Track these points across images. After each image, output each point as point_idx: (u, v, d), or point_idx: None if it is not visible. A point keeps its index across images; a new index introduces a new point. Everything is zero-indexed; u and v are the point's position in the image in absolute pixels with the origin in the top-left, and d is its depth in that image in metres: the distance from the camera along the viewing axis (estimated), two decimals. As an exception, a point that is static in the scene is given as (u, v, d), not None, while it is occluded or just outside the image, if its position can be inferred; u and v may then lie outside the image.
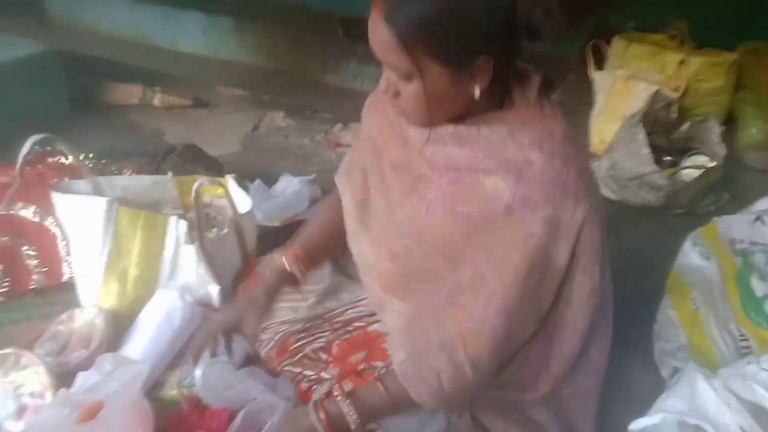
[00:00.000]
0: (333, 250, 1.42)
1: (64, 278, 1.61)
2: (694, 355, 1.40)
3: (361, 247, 1.29)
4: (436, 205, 1.10)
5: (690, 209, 2.06)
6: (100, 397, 1.08)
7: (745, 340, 1.44)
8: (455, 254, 1.09)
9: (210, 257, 1.47)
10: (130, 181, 1.64)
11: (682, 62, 2.41)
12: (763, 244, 1.50)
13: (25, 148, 1.49)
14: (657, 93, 2.18)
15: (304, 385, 1.30)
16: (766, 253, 1.43)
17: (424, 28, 0.93)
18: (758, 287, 1.45)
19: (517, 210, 1.01)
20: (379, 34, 0.95)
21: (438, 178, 1.11)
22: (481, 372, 1.07)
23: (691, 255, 1.69)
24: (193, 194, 1.43)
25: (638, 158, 1.97)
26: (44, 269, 1.62)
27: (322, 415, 1.11)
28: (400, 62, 0.96)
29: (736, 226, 1.58)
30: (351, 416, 1.10)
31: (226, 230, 1.53)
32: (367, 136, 1.27)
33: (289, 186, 1.96)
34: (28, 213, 1.65)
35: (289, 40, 3.54)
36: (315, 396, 1.24)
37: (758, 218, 1.56)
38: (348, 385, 1.18)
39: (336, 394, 1.13)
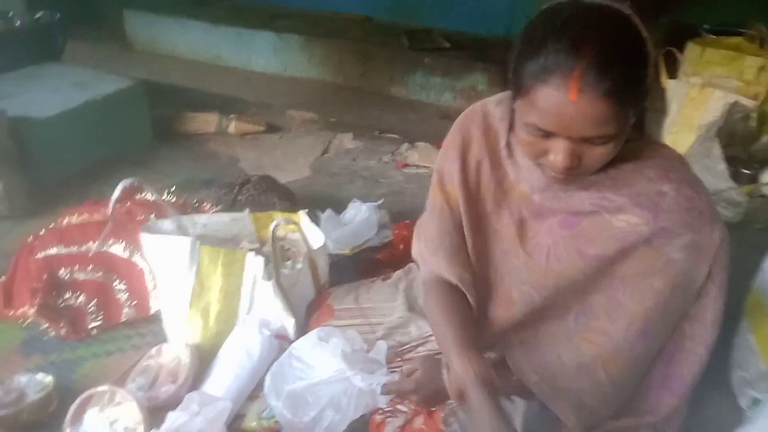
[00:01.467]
0: None
1: (152, 311, 1.72)
2: (777, 389, 1.36)
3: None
4: (557, 251, 1.13)
5: (772, 225, 1.97)
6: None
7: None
8: (584, 287, 1.13)
9: (285, 291, 1.55)
10: (210, 219, 1.74)
11: (762, 68, 2.30)
12: None
13: (117, 192, 1.60)
14: (735, 104, 2.09)
15: (377, 418, 1.35)
16: None
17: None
18: None
19: (655, 240, 1.04)
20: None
21: (541, 222, 1.14)
22: (621, 388, 1.13)
23: (773, 274, 1.63)
24: (270, 234, 1.51)
25: (714, 174, 1.90)
26: (134, 302, 1.74)
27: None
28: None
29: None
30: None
31: (300, 265, 1.60)
32: (456, 185, 1.23)
33: (358, 213, 2.01)
34: (118, 249, 1.77)
35: (356, 54, 3.66)
36: (389, 429, 1.29)
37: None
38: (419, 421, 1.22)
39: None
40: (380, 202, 2.10)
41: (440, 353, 1.34)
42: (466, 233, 1.25)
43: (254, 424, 1.40)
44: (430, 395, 1.22)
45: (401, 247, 1.90)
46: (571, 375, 1.13)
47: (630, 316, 1.09)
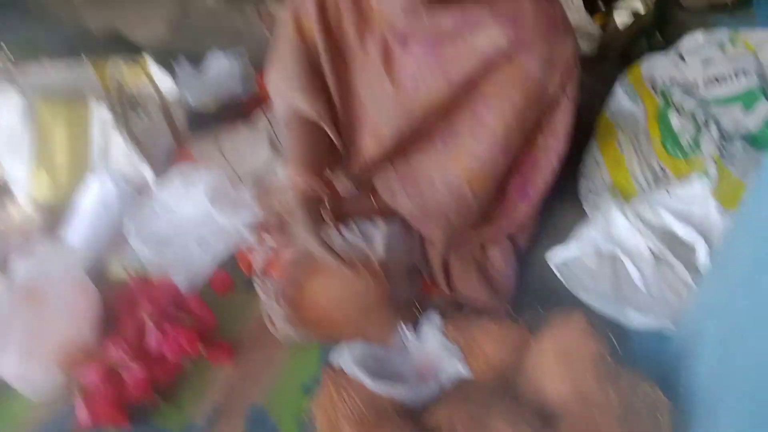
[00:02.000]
0: None
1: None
2: (614, 191, 1.47)
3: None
4: (424, 77, 1.13)
5: (624, 56, 2.06)
6: (39, 280, 1.11)
7: (665, 173, 1.51)
8: (449, 105, 1.15)
9: (140, 143, 1.47)
10: (46, 71, 1.58)
11: None
12: (683, 82, 1.54)
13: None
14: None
15: (245, 250, 1.35)
16: (682, 88, 1.48)
17: None
18: (676, 123, 1.50)
19: (515, 55, 1.08)
20: None
21: (406, 50, 1.14)
22: (483, 201, 1.21)
23: (621, 99, 1.72)
24: (109, 77, 1.40)
25: (569, 5, 1.95)
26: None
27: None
28: None
29: (657, 65, 1.61)
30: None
31: (153, 114, 1.51)
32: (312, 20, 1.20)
33: (218, 63, 1.90)
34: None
35: None
36: (256, 263, 1.30)
37: (678, 56, 1.59)
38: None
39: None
40: (243, 51, 1.99)
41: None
42: (326, 69, 1.22)
43: (119, 271, 1.36)
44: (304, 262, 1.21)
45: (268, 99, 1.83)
46: (441, 197, 1.19)
47: (493, 134, 1.14)
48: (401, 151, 1.24)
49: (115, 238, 1.41)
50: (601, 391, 0.80)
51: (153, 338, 1.19)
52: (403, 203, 1.21)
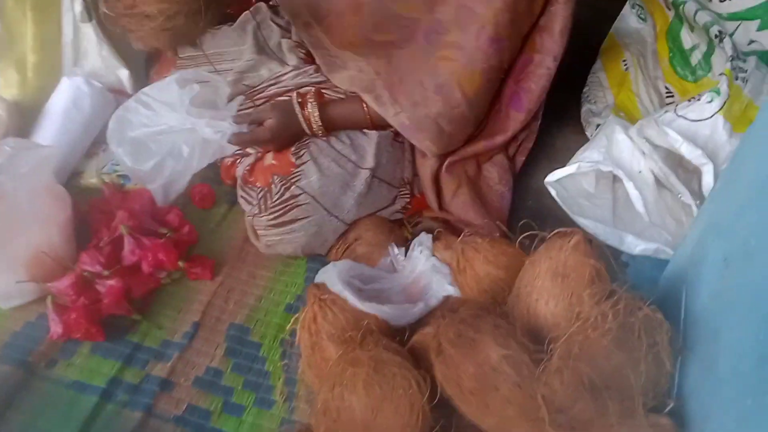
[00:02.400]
0: None
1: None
2: (618, 113, 1.41)
3: (316, 5, 1.24)
4: None
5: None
6: (5, 179, 1.04)
7: (671, 96, 1.44)
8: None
9: (115, 38, 1.37)
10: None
11: None
12: (697, -5, 1.44)
13: None
14: None
15: (227, 161, 1.29)
16: (697, 1, 1.38)
17: None
18: (687, 39, 1.42)
19: None
20: None
21: None
22: (477, 107, 1.13)
23: (629, 17, 1.64)
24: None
25: None
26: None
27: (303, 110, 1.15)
28: None
29: (672, -22, 1.50)
30: (315, 117, 1.15)
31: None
32: None
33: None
34: None
35: None
36: (238, 171, 1.24)
37: (695, -33, 1.49)
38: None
39: (310, 97, 1.16)
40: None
41: (289, 92, 1.27)
42: None
43: (94, 180, 1.30)
44: (287, 141, 1.17)
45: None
46: (431, 100, 1.11)
47: (480, 21, 1.06)
48: (382, 47, 1.16)
49: (88, 144, 1.35)
50: (597, 311, 0.76)
51: (130, 251, 1.14)
52: (392, 111, 1.14)
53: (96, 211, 1.22)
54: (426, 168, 1.22)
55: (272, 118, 1.15)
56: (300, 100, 1.16)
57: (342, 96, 1.21)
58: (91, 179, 1.30)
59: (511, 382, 0.76)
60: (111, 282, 1.09)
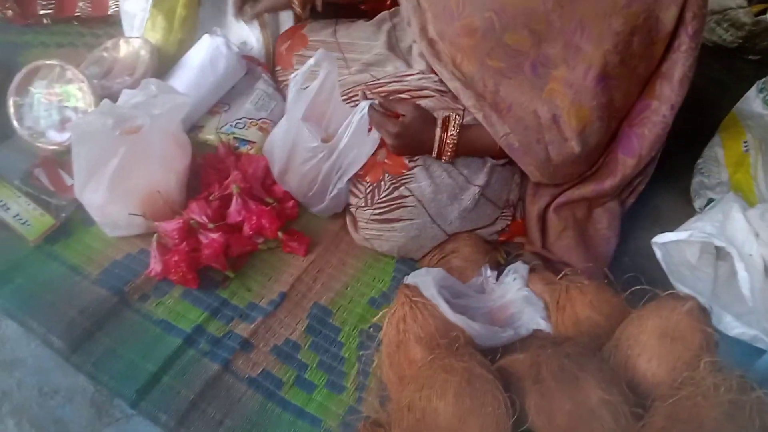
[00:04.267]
0: None
1: (111, 10, 1.56)
2: (734, 191, 1.38)
3: (427, 22, 1.25)
4: None
5: (765, 56, 1.92)
6: (142, 116, 1.08)
7: (789, 187, 1.40)
8: (541, 27, 1.07)
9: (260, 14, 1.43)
10: None
11: None
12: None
13: None
14: None
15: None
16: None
17: None
18: (820, 135, 1.39)
19: None
20: None
21: None
22: (587, 145, 1.12)
23: (755, 101, 1.61)
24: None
25: (727, -11, 1.80)
26: (90, -1, 1.57)
27: (443, 133, 1.14)
28: None
29: (814, 72, 1.47)
30: (453, 136, 1.14)
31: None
32: None
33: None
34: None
35: None
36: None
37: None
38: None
39: (455, 119, 1.15)
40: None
41: (409, 91, 1.28)
42: None
43: (212, 136, 1.34)
44: (408, 148, 1.17)
45: (389, 0, 1.75)
46: (544, 127, 1.11)
47: (588, 60, 1.05)
48: (490, 73, 1.16)
49: (213, 102, 1.39)
50: (710, 380, 0.74)
51: (236, 210, 1.17)
52: (501, 132, 1.14)
53: (210, 166, 1.26)
54: (534, 207, 1.22)
55: (411, 117, 1.14)
56: (443, 120, 1.15)
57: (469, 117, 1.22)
58: (209, 135, 1.34)
59: (608, 428, 0.75)
60: (214, 235, 1.12)
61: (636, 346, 0.87)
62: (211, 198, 1.18)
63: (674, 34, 1.07)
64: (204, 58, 1.36)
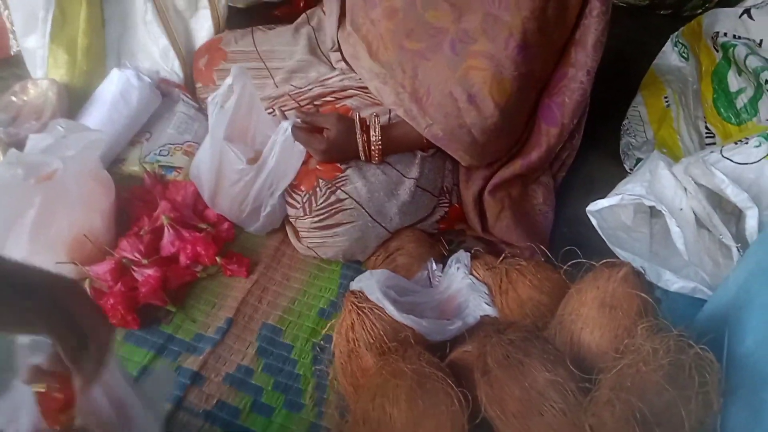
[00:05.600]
0: None
1: (12, 51, 1.50)
2: (659, 148, 1.41)
3: (357, 13, 1.25)
4: None
5: (677, 10, 1.96)
6: (54, 160, 1.05)
7: (711, 137, 1.44)
8: (462, 8, 1.08)
9: (172, 27, 1.39)
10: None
11: None
12: (746, 38, 1.45)
13: None
14: None
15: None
16: (747, 46, 1.39)
17: None
18: (733, 82, 1.42)
19: None
20: None
21: None
22: (510, 117, 1.13)
23: (671, 55, 1.65)
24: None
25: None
26: (-11, 42, 1.50)
27: (364, 135, 1.14)
28: None
29: (722, 19, 1.51)
30: (377, 139, 1.14)
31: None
32: None
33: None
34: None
35: None
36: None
37: (745, 12, 1.50)
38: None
39: (374, 121, 1.15)
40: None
41: (334, 93, 1.27)
42: None
43: (136, 168, 1.30)
44: (338, 157, 1.16)
45: (302, 4, 1.73)
46: (463, 110, 1.11)
47: (508, 29, 1.06)
48: (409, 59, 1.17)
49: (132, 135, 1.35)
50: (649, 345, 0.76)
51: (169, 242, 1.14)
52: (424, 124, 1.14)
53: (137, 199, 1.23)
54: (469, 192, 1.23)
55: (334, 131, 1.13)
56: (362, 124, 1.14)
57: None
58: (133, 167, 1.30)
59: (557, 408, 0.76)
60: (149, 271, 1.10)
61: (578, 319, 0.88)
62: (141, 233, 1.15)
63: (585, 0, 1.09)
64: (115, 93, 1.31)
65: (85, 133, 1.12)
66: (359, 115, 1.16)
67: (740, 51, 1.37)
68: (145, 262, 1.10)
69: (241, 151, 1.17)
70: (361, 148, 1.14)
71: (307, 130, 1.14)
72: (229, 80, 1.19)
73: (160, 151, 1.33)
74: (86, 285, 1.07)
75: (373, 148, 1.14)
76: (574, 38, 1.15)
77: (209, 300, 1.15)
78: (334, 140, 1.13)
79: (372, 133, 1.14)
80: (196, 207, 1.23)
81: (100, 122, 1.29)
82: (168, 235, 1.14)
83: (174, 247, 1.14)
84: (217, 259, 1.16)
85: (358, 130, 1.14)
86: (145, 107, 1.36)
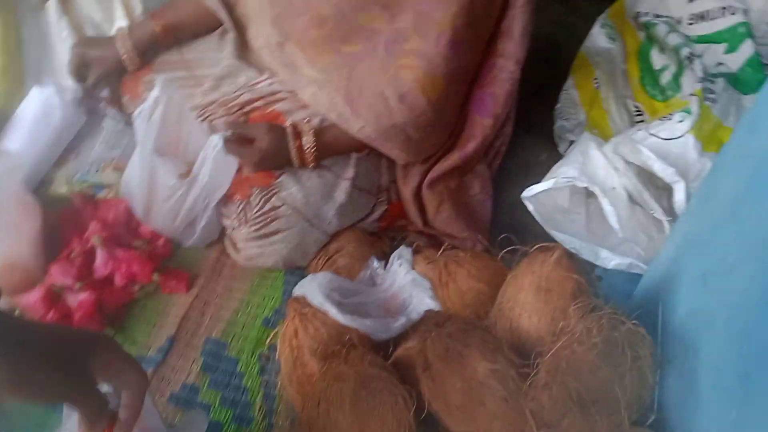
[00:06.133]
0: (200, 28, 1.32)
1: None
2: (590, 129, 1.44)
3: (269, 25, 1.22)
4: None
5: (602, -8, 2.00)
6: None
7: (640, 114, 1.48)
8: (393, 8, 1.09)
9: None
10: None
11: None
12: (667, 16, 1.49)
13: None
14: None
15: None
16: (667, 24, 1.43)
17: None
18: (657, 60, 1.46)
19: None
20: None
21: None
22: (443, 112, 1.14)
23: (599, 37, 1.68)
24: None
25: (552, -64, 1.86)
26: None
27: (296, 141, 1.13)
28: None
29: (642, 0, 1.55)
30: (310, 144, 1.13)
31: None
32: None
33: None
34: None
35: None
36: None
37: (664, -9, 1.54)
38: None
39: (306, 126, 1.14)
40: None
41: (263, 98, 1.26)
42: None
43: (64, 189, 1.26)
44: (272, 165, 1.14)
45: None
46: (394, 110, 1.12)
47: (438, 26, 1.08)
48: (344, 62, 1.16)
49: (57, 155, 1.31)
50: (582, 325, 0.77)
51: (102, 263, 1.11)
52: (356, 126, 1.14)
53: (66, 221, 1.19)
54: (407, 187, 1.23)
55: (265, 141, 1.12)
56: (293, 131, 1.13)
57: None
58: (61, 188, 1.26)
59: (498, 396, 0.76)
60: (82, 295, 1.06)
61: (516, 306, 0.89)
62: (72, 256, 1.11)
63: None
64: (36, 112, 1.27)
65: (4, 158, 1.08)
66: (290, 122, 1.14)
67: (661, 29, 1.40)
68: (78, 286, 1.07)
69: (172, 164, 1.15)
70: (294, 156, 1.13)
71: (238, 141, 1.13)
72: (155, 92, 1.16)
73: (89, 169, 1.29)
74: (17, 315, 1.03)
75: (306, 153, 1.13)
76: (500, 29, 1.16)
77: (149, 319, 1.12)
78: (266, 150, 1.11)
79: (305, 138, 1.13)
80: (130, 224, 1.20)
81: (21, 144, 1.24)
82: (101, 255, 1.11)
83: (108, 268, 1.11)
84: (154, 276, 1.13)
85: (290, 138, 1.12)
86: (70, 125, 1.31)
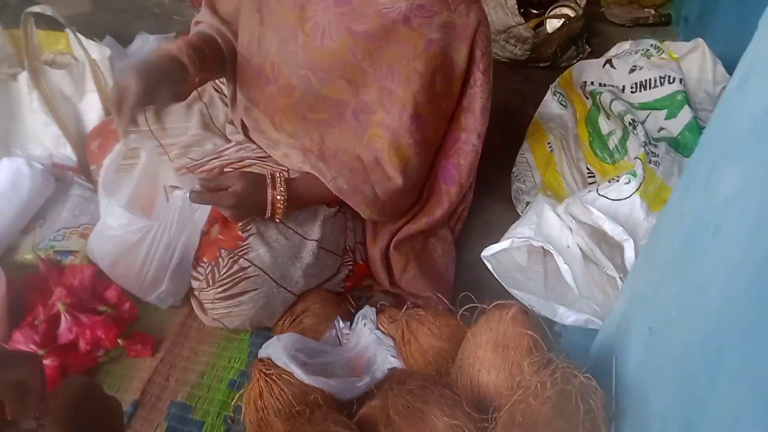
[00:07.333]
0: (216, 69, 1.29)
1: None
2: (545, 190, 1.51)
3: (237, 90, 1.29)
4: (330, 29, 1.14)
5: (554, 62, 2.13)
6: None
7: (593, 176, 1.56)
8: (356, 76, 1.15)
9: (58, 111, 1.38)
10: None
11: None
12: (610, 85, 1.60)
13: None
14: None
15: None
16: (611, 92, 1.53)
17: None
18: (604, 125, 1.55)
19: (414, 19, 1.09)
20: None
21: (319, 2, 1.14)
22: (410, 180, 1.21)
23: (551, 104, 1.78)
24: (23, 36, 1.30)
25: (505, 10, 1.98)
26: None
27: (273, 191, 1.15)
28: None
29: (588, 70, 1.66)
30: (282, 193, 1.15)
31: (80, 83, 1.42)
32: None
33: (146, 45, 1.82)
34: None
35: None
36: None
37: (607, 62, 1.65)
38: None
39: (280, 176, 1.16)
40: (173, 35, 1.91)
41: (231, 164, 1.30)
42: (241, 28, 1.24)
43: (29, 256, 1.27)
44: (246, 213, 1.17)
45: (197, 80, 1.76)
46: (369, 169, 1.19)
47: (401, 102, 1.15)
48: (315, 126, 1.22)
49: (24, 223, 1.32)
50: (536, 379, 0.80)
51: (67, 328, 1.11)
52: (330, 176, 1.19)
53: (31, 287, 1.19)
54: (376, 248, 1.27)
55: (240, 185, 1.13)
56: (271, 179, 1.16)
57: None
58: (27, 255, 1.26)
59: (459, 451, 0.78)
60: (46, 362, 1.06)
61: (476, 362, 0.92)
62: (36, 322, 1.11)
63: (468, 72, 1.18)
64: (4, 182, 1.29)
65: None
66: (269, 173, 1.17)
67: (605, 97, 1.50)
68: (41, 352, 1.06)
69: (140, 217, 1.16)
70: (269, 201, 1.14)
71: (212, 190, 1.13)
72: (133, 144, 1.18)
73: (55, 236, 1.30)
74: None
75: (278, 200, 1.15)
76: (462, 105, 1.23)
77: (113, 384, 1.11)
78: (242, 193, 1.12)
79: (278, 185, 1.15)
80: (95, 290, 1.20)
81: (-12, 214, 1.26)
82: (65, 321, 1.11)
83: (72, 334, 1.11)
84: (119, 341, 1.13)
85: (269, 183, 1.14)
86: (38, 194, 1.33)
